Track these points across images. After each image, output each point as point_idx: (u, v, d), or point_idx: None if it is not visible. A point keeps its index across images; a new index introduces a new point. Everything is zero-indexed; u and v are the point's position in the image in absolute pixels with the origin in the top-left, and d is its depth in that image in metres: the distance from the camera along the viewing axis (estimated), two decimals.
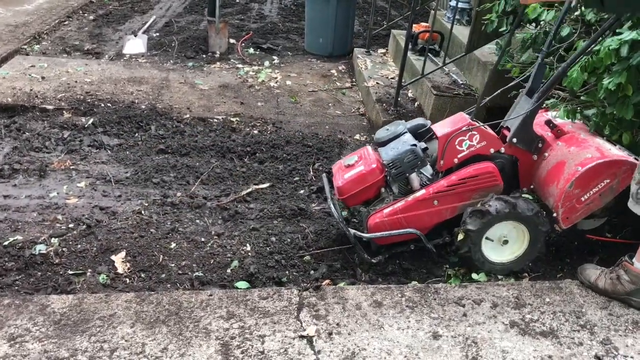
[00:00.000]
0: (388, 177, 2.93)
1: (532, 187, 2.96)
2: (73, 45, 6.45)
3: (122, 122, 4.56)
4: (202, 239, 3.20)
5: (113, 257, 2.99)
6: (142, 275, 2.91)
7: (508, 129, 2.92)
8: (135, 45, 6.43)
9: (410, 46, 4.82)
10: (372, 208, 2.93)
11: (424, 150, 2.87)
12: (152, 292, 2.57)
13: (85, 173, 3.84)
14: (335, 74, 6.24)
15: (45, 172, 3.78)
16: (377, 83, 5.42)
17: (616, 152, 2.73)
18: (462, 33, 4.99)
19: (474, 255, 2.82)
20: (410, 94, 5.17)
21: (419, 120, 3.08)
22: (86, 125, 4.46)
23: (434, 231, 2.95)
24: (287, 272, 2.98)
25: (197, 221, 3.37)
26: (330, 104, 5.39)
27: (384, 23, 7.08)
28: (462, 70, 5.02)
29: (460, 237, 2.80)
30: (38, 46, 6.27)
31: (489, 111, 4.37)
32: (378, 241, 2.93)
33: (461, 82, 4.77)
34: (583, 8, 3.08)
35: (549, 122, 2.99)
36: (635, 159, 2.72)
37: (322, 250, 3.14)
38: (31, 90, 4.94)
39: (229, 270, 2.97)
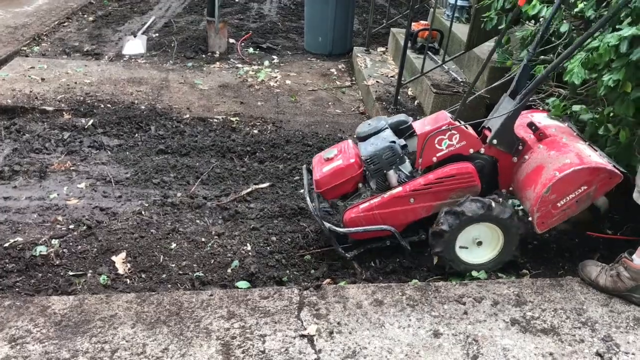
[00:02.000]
0: (366, 173, 2.92)
1: (510, 188, 2.95)
2: (73, 46, 6.45)
3: (122, 123, 4.56)
4: (203, 239, 3.20)
5: (113, 258, 2.99)
6: (143, 275, 2.91)
7: (489, 129, 2.90)
8: (135, 46, 6.43)
9: (409, 44, 4.82)
10: (348, 202, 2.93)
11: (403, 147, 2.85)
12: (153, 293, 2.57)
13: (86, 174, 3.84)
14: (335, 73, 6.24)
15: (46, 174, 3.79)
16: (376, 81, 5.42)
17: (596, 159, 2.69)
18: (461, 31, 4.98)
19: (447, 255, 2.80)
20: (410, 92, 5.17)
21: (401, 117, 3.06)
22: (86, 126, 4.46)
23: (410, 228, 2.95)
24: (287, 271, 2.98)
25: (198, 221, 3.37)
26: (330, 103, 5.39)
27: (383, 21, 7.08)
28: (462, 68, 5.01)
29: (435, 261, 2.85)
30: (38, 47, 6.27)
31: (488, 108, 4.38)
32: (353, 236, 2.92)
33: (461, 80, 4.76)
34: (582, 5, 3.07)
35: (531, 125, 2.97)
36: (614, 166, 2.70)
37: (322, 250, 3.14)
38: (31, 91, 4.94)
39: (229, 270, 2.98)
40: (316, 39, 6.78)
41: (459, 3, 5.24)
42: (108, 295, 2.54)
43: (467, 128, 2.84)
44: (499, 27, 3.82)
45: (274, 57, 6.56)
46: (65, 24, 7.30)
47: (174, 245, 3.14)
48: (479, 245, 2.83)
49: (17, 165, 3.84)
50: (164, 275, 2.91)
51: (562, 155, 2.72)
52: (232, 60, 6.34)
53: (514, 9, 3.64)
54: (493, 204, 2.72)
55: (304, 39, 7.05)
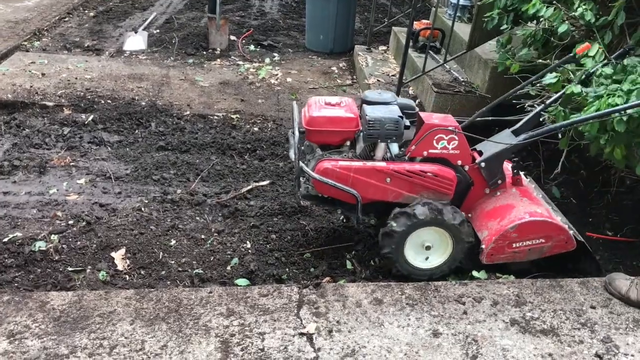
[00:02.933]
0: (358, 134, 2.87)
1: (469, 215, 2.94)
2: (73, 41, 6.44)
3: (122, 119, 4.55)
4: (202, 236, 3.20)
5: (113, 254, 2.99)
6: (142, 272, 2.91)
7: (480, 153, 2.91)
8: (136, 42, 6.41)
9: (411, 43, 4.81)
10: (328, 153, 2.87)
11: (406, 127, 2.83)
12: (152, 289, 2.56)
13: (85, 170, 3.83)
14: (336, 71, 6.23)
15: (45, 169, 3.78)
16: (377, 80, 5.41)
17: (561, 222, 2.82)
18: (463, 30, 4.97)
19: (394, 256, 2.78)
20: (411, 92, 5.16)
21: (409, 102, 3.04)
22: (86, 122, 4.45)
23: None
24: (287, 269, 2.98)
25: (197, 218, 3.37)
26: None
27: (384, 20, 7.07)
28: (463, 68, 5.00)
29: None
30: (38, 43, 6.26)
31: (493, 110, 4.37)
32: (318, 186, 2.83)
33: (462, 80, 4.76)
34: (581, 9, 3.06)
35: (514, 168, 3.01)
36: (574, 234, 2.80)
37: (322, 248, 3.14)
38: (31, 86, 4.93)
39: (229, 268, 2.97)
40: (317, 37, 6.77)
41: (461, 2, 5.23)
42: (107, 291, 2.54)
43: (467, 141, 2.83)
44: (501, 27, 3.82)
45: (275, 54, 6.55)
46: (66, 19, 7.28)
47: (173, 242, 3.13)
48: (427, 249, 2.81)
49: (16, 160, 3.83)
50: (163, 272, 2.91)
51: (534, 204, 2.84)
52: (233, 57, 6.33)
53: (515, 10, 3.64)
54: (444, 209, 2.72)
55: (305, 37, 7.04)
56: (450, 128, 2.74)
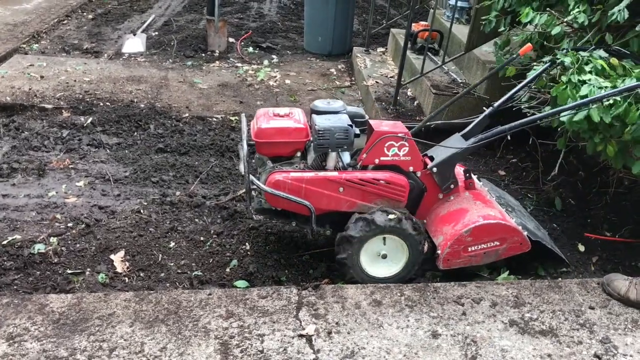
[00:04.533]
0: (309, 145, 2.86)
1: (424, 221, 2.94)
2: (72, 44, 6.44)
3: (121, 121, 4.55)
4: (201, 238, 3.20)
5: (112, 257, 2.99)
6: (141, 274, 2.91)
7: (432, 158, 2.91)
8: (134, 44, 6.42)
9: (409, 45, 4.82)
10: (279, 165, 2.84)
11: (356, 135, 2.81)
12: (151, 292, 2.57)
13: (84, 172, 3.83)
14: (335, 73, 6.24)
15: (44, 171, 3.78)
16: (376, 82, 5.42)
17: (515, 224, 2.81)
18: (461, 32, 4.98)
19: (349, 262, 2.74)
20: (409, 93, 5.17)
21: (359, 110, 3.04)
22: (85, 125, 4.46)
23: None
24: (286, 271, 2.98)
25: (196, 220, 3.37)
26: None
27: (383, 22, 7.08)
28: (462, 69, 5.01)
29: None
30: (37, 45, 6.26)
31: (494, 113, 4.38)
32: (270, 199, 2.79)
33: (460, 81, 4.76)
34: (575, 11, 3.08)
35: (466, 171, 3.02)
36: (528, 236, 2.79)
37: (321, 250, 3.14)
38: (30, 89, 4.93)
39: (228, 270, 2.98)
40: (316, 38, 6.78)
41: (459, 4, 5.24)
42: (106, 293, 2.54)
43: (418, 147, 2.82)
44: (499, 29, 3.83)
45: (274, 56, 6.55)
46: (65, 21, 7.28)
47: (172, 244, 3.14)
48: (383, 258, 2.79)
49: (15, 162, 3.84)
50: (162, 274, 2.91)
51: (487, 207, 2.84)
52: (231, 59, 6.33)
53: (513, 12, 3.65)
54: (404, 218, 2.71)
55: (304, 39, 7.05)
56: (400, 135, 2.72)
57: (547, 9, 3.29)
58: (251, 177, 2.74)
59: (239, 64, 6.18)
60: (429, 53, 4.97)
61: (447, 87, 4.62)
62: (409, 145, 2.76)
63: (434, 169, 2.84)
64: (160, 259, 3.01)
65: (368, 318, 2.44)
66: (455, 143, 2.90)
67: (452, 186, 2.91)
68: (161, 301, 2.47)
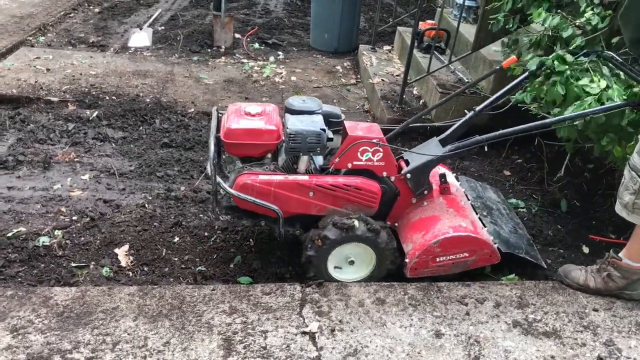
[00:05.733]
0: (281, 145, 2.78)
1: (396, 224, 2.91)
2: (78, 37, 6.44)
3: (127, 115, 4.55)
4: (206, 234, 3.20)
5: (116, 250, 2.99)
6: (145, 268, 2.91)
7: (407, 162, 2.88)
8: (141, 38, 6.42)
9: (416, 43, 4.81)
10: (248, 166, 2.76)
11: (329, 139, 2.74)
12: (155, 286, 2.57)
13: (90, 166, 3.84)
14: (340, 71, 6.23)
15: (50, 164, 3.79)
16: (382, 80, 5.41)
17: (486, 235, 2.78)
18: (468, 31, 4.96)
19: (316, 261, 2.69)
20: (415, 92, 5.16)
21: (335, 109, 2.97)
22: (90, 118, 4.46)
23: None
24: (290, 267, 2.98)
25: (201, 215, 3.37)
26: (335, 100, 5.38)
27: (389, 20, 7.07)
28: (468, 69, 5.00)
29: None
30: (43, 38, 6.27)
31: (494, 109, 4.36)
32: (238, 201, 2.72)
33: (467, 81, 4.75)
34: (588, 13, 3.07)
35: (442, 176, 2.96)
36: (498, 248, 2.75)
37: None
38: (36, 82, 4.94)
39: (232, 265, 2.98)
40: (322, 35, 6.77)
41: (467, 3, 5.22)
42: (110, 287, 2.55)
43: (392, 152, 2.78)
44: (507, 27, 3.81)
45: (280, 53, 6.55)
46: (71, 14, 7.28)
47: (177, 239, 3.14)
48: (350, 264, 2.75)
49: (21, 155, 3.84)
50: (166, 269, 2.91)
51: (459, 216, 2.80)
52: (237, 55, 6.33)
53: (522, 11, 3.63)
54: (382, 231, 2.67)
55: (310, 36, 7.04)
56: (374, 140, 2.68)
57: (559, 10, 3.27)
58: (218, 179, 2.65)
59: (245, 60, 6.17)
60: (435, 52, 4.96)
61: (454, 87, 4.60)
62: (383, 151, 2.71)
63: (408, 175, 2.79)
64: (164, 254, 3.01)
65: (371, 316, 2.44)
66: (431, 149, 2.85)
67: (425, 192, 2.86)
68: (165, 296, 2.47)
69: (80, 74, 5.23)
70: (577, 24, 3.15)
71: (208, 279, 2.86)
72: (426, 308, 2.52)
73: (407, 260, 2.71)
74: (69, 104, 4.67)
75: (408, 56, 4.64)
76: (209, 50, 6.40)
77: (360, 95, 5.58)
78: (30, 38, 6.13)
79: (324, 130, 2.68)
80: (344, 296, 2.55)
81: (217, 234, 3.21)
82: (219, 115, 2.93)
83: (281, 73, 5.89)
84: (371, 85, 5.38)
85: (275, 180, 2.66)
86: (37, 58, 5.51)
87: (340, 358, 2.21)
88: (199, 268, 2.93)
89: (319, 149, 2.69)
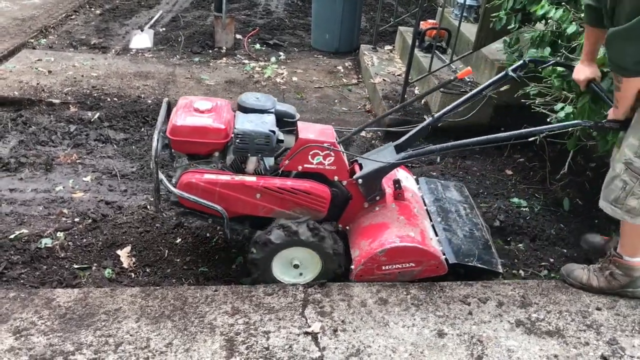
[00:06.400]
0: (229, 144, 2.67)
1: (347, 227, 2.89)
2: (80, 39, 6.45)
3: (128, 117, 4.56)
4: (208, 234, 3.20)
5: (118, 252, 3.00)
6: (147, 270, 2.91)
7: (361, 166, 2.84)
8: (142, 40, 6.42)
9: (417, 43, 4.80)
10: (195, 164, 2.68)
11: (279, 141, 2.68)
12: (157, 287, 2.57)
13: (91, 167, 3.84)
14: (342, 71, 6.23)
15: (52, 166, 3.79)
16: (383, 80, 5.40)
17: (435, 246, 2.73)
18: (469, 30, 4.96)
19: (261, 264, 2.64)
20: (417, 91, 5.15)
21: (290, 109, 2.88)
22: (92, 120, 4.47)
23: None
24: None
25: None
26: (336, 101, 5.38)
27: (390, 20, 7.06)
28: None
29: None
30: (45, 40, 6.28)
31: (496, 109, 4.36)
32: (182, 201, 2.64)
33: (468, 80, 4.74)
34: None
35: (396, 182, 2.91)
36: (446, 259, 2.70)
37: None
38: (38, 84, 4.94)
39: (234, 266, 2.98)
40: (323, 36, 6.77)
41: (468, 2, 5.21)
42: (112, 288, 2.55)
43: (344, 156, 2.74)
44: (508, 27, 3.80)
45: (281, 53, 6.55)
46: (73, 16, 7.30)
47: (179, 240, 3.14)
48: (295, 267, 2.70)
49: (23, 157, 3.85)
50: (168, 270, 2.91)
51: (408, 225, 2.74)
52: (238, 56, 6.33)
53: (524, 10, 3.63)
54: (327, 237, 2.63)
55: (311, 36, 7.04)
56: (325, 145, 2.63)
57: (563, 3, 3.25)
58: (162, 176, 2.56)
59: (246, 61, 6.17)
60: (436, 51, 4.95)
61: (455, 86, 4.60)
62: (335, 155, 2.67)
63: (360, 181, 2.75)
64: (166, 255, 3.01)
65: (374, 316, 2.43)
66: (386, 154, 2.81)
67: (377, 197, 2.82)
68: (167, 297, 2.47)
69: (82, 76, 5.23)
70: (579, 17, 3.13)
71: (210, 280, 2.86)
72: (429, 308, 2.51)
73: (352, 266, 2.67)
74: (70, 105, 4.67)
75: (409, 56, 4.63)
76: (210, 51, 6.40)
77: (361, 95, 5.58)
78: (32, 40, 6.14)
79: (273, 132, 2.59)
80: (346, 296, 2.55)
81: (219, 235, 3.21)
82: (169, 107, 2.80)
83: (282, 73, 5.89)
84: (372, 85, 5.38)
85: (220, 180, 2.58)
86: (38, 60, 5.51)
87: (343, 358, 2.21)
88: (201, 269, 2.93)
89: (267, 150, 2.62)
